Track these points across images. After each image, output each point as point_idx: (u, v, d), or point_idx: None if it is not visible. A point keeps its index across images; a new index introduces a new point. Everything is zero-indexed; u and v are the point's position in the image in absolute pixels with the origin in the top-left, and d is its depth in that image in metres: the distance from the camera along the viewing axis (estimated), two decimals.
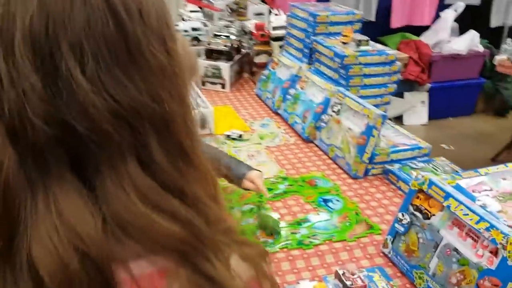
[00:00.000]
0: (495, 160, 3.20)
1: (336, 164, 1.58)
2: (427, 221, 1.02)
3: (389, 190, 1.42)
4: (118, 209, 0.32)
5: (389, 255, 1.11)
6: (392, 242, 1.10)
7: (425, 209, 1.03)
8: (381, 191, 1.41)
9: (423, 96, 3.91)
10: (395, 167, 1.48)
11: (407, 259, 1.05)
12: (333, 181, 1.46)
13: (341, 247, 1.14)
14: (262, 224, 1.18)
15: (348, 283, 0.98)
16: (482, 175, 1.12)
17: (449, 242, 0.96)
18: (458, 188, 1.09)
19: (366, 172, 1.49)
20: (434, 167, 1.49)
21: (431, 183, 1.02)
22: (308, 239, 1.16)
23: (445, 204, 0.98)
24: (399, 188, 1.42)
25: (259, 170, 1.21)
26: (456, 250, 0.94)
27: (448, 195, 0.98)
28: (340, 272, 1.02)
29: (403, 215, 1.08)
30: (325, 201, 1.34)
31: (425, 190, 1.03)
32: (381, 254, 1.13)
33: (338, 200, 1.34)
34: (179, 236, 0.33)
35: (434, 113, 3.93)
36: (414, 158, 1.54)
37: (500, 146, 3.30)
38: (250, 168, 1.19)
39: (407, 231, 1.07)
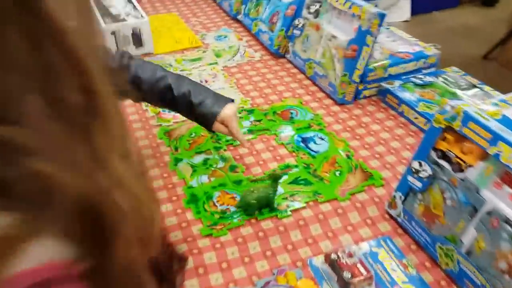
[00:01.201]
0: (487, 57, 2.87)
1: (316, 85, 1.20)
2: (459, 175, 0.68)
3: (388, 117, 1.07)
4: None
5: (399, 219, 0.79)
6: (404, 202, 0.78)
7: (456, 156, 0.69)
8: (378, 119, 1.06)
9: None
10: (395, 85, 1.12)
11: (427, 227, 0.74)
12: (313, 110, 1.10)
13: (331, 210, 0.81)
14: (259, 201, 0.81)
15: (346, 274, 0.67)
16: None
17: (496, 208, 0.63)
18: (504, 122, 0.74)
19: (357, 95, 1.13)
20: (445, 81, 1.13)
21: (467, 118, 0.67)
22: (285, 203, 0.82)
23: (490, 151, 0.63)
24: (401, 114, 1.07)
25: (232, 100, 0.84)
26: (508, 221, 0.62)
27: (496, 137, 0.63)
28: (333, 257, 0.70)
29: (420, 165, 0.74)
30: (305, 141, 0.98)
31: (456, 128, 0.68)
32: (386, 216, 0.81)
33: (322, 138, 0.99)
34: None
35: (417, 7, 3.51)
36: (418, 70, 1.17)
37: (490, 40, 2.95)
38: (226, 101, 0.83)
39: (427, 188, 0.73)
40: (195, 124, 1.02)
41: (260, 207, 0.80)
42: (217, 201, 0.82)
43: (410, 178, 0.76)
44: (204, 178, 0.87)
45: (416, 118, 1.03)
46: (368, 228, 0.78)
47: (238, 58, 1.34)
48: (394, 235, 0.77)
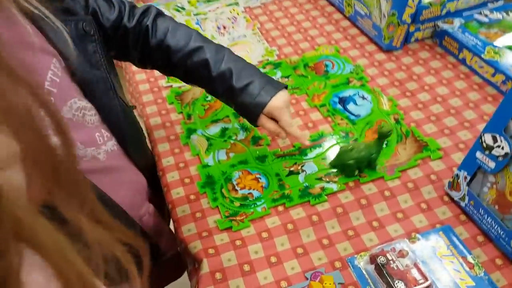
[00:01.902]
0: None
1: (357, 28, 1.00)
2: None
3: (445, 66, 0.87)
4: None
5: (462, 204, 0.63)
6: (469, 183, 0.62)
7: None
8: (434, 69, 0.87)
9: None
10: (455, 24, 0.90)
11: (500, 217, 0.58)
12: (353, 60, 0.91)
13: (376, 193, 0.66)
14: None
15: (398, 284, 0.54)
16: None
17: None
18: None
19: (407, 39, 0.92)
20: None
21: None
22: (318, 185, 0.68)
23: None
24: (463, 62, 0.86)
25: (286, 86, 0.65)
26: None
27: None
28: (382, 260, 0.56)
29: (495, 140, 0.57)
30: (342, 101, 0.82)
31: None
32: (446, 199, 0.65)
33: (363, 98, 0.82)
34: None
35: None
36: (484, 4, 0.94)
37: None
38: (277, 88, 0.64)
39: (503, 169, 0.57)
40: None
41: (359, 167, 0.67)
42: (237, 184, 0.68)
43: (479, 155, 0.59)
44: (222, 154, 0.73)
45: (481, 67, 0.83)
46: (423, 214, 0.63)
47: None
48: (455, 223, 0.62)
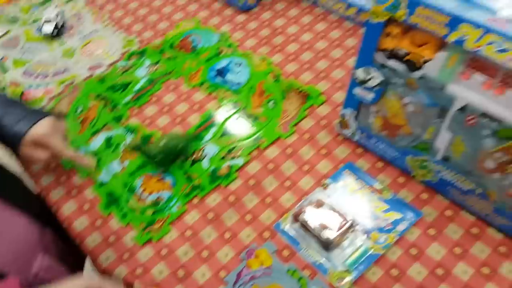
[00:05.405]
0: None
1: None
2: (416, 74, 0.56)
3: (303, 12, 0.90)
4: None
5: (355, 139, 0.67)
6: (356, 118, 0.66)
7: (408, 53, 0.56)
8: (293, 18, 0.89)
9: None
10: None
11: (390, 140, 0.63)
12: (216, 28, 0.89)
13: (279, 154, 0.68)
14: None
15: (323, 234, 0.56)
16: None
17: (469, 102, 0.53)
18: None
19: None
20: None
21: (412, 2, 0.52)
22: (225, 164, 0.67)
23: (450, 38, 0.51)
24: (316, 3, 0.90)
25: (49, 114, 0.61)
26: (486, 115, 0.52)
27: (455, 19, 0.50)
28: (303, 217, 0.58)
29: (366, 72, 0.60)
30: (221, 73, 0.80)
31: (402, 19, 0.54)
32: (340, 139, 0.69)
33: (239, 64, 0.81)
34: None
35: None
36: None
37: None
38: (38, 117, 0.59)
39: (381, 97, 0.61)
40: (77, 93, 0.79)
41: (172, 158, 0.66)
42: (143, 192, 0.64)
43: (357, 90, 0.63)
44: (116, 166, 0.68)
45: (334, 4, 0.87)
46: (326, 159, 0.67)
47: None
48: (355, 158, 0.66)
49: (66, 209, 0.64)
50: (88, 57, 0.87)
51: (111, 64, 0.85)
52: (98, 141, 0.72)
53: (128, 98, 0.78)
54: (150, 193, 0.64)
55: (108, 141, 0.71)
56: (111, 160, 0.69)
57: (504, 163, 0.52)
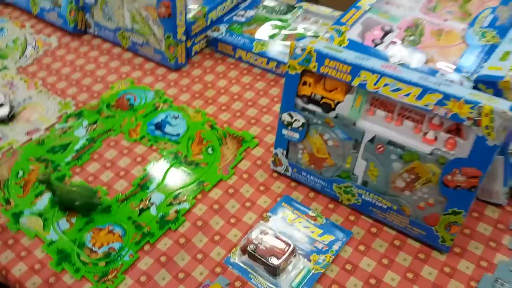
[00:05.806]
0: None
1: (141, 56, 1.04)
2: (331, 114, 0.67)
3: (229, 68, 1.00)
4: None
5: (288, 174, 0.76)
6: (287, 156, 0.75)
7: (323, 97, 0.67)
8: (221, 73, 0.98)
9: None
10: (222, 30, 1.03)
11: (318, 172, 0.72)
12: (150, 87, 0.96)
13: (223, 195, 0.74)
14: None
15: (271, 260, 0.62)
16: (366, 10, 0.78)
17: (377, 134, 0.64)
18: (354, 46, 0.73)
19: (189, 53, 1.02)
20: (266, 10, 1.09)
21: (321, 56, 0.63)
22: (172, 209, 0.71)
23: (354, 82, 0.62)
24: (240, 59, 1.00)
25: None
26: (391, 142, 0.63)
27: (356, 68, 0.61)
28: (251, 247, 0.64)
29: (291, 116, 0.70)
30: (159, 126, 0.86)
31: (314, 70, 0.65)
32: (275, 175, 0.77)
33: (175, 117, 0.88)
34: None
35: None
36: (236, 7, 1.10)
37: None
38: None
39: (305, 136, 0.71)
40: (16, 158, 0.80)
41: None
42: (94, 245, 0.66)
43: (285, 132, 0.72)
44: (63, 224, 0.70)
45: (256, 60, 0.98)
46: (265, 195, 0.74)
47: (32, 51, 1.08)
48: (290, 191, 0.74)
49: (16, 271, 0.64)
50: (25, 123, 0.89)
51: (48, 128, 0.87)
52: (43, 202, 0.73)
53: (69, 157, 0.80)
54: (101, 246, 0.66)
55: (53, 201, 0.73)
56: (58, 219, 0.70)
57: (411, 182, 0.63)
